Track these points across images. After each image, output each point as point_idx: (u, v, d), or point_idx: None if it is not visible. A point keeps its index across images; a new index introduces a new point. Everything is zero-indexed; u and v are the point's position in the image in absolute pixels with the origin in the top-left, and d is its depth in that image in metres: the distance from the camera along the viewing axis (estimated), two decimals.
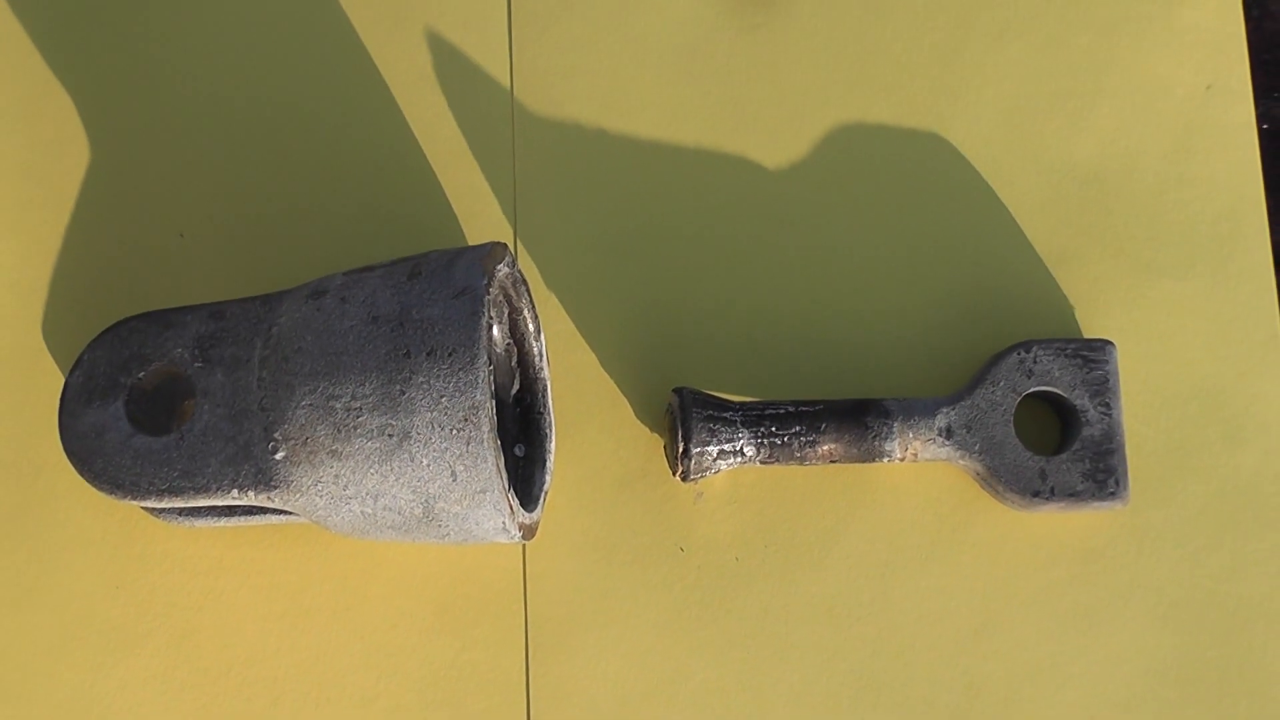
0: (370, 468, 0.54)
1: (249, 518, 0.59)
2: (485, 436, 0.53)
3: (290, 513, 0.58)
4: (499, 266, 0.55)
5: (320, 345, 0.54)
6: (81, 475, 0.57)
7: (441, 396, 0.53)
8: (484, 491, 0.53)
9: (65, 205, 0.64)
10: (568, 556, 0.62)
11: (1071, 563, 0.62)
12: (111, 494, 0.56)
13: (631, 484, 0.62)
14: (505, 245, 0.56)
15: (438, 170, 0.65)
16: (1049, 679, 0.61)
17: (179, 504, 0.56)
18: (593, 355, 0.63)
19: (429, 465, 0.53)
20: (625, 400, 0.63)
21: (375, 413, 0.53)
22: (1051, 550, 0.62)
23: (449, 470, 0.53)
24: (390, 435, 0.53)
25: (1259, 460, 0.62)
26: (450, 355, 0.53)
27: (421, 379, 0.53)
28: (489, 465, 0.53)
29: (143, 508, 0.60)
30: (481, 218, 0.64)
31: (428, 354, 0.53)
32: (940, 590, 0.61)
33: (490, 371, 0.53)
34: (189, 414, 0.61)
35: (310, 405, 0.54)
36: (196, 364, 0.57)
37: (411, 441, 0.53)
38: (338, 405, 0.54)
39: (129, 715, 0.60)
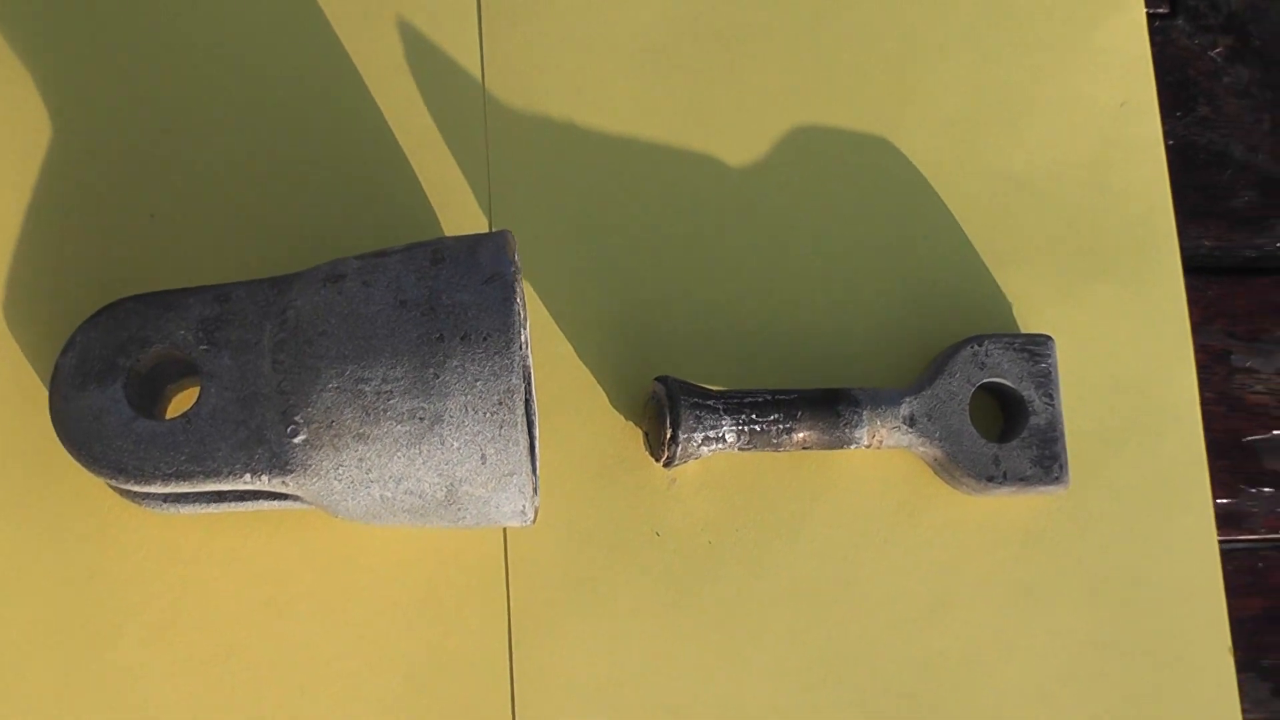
0: (398, 451, 0.54)
1: (239, 504, 0.58)
2: (518, 420, 0.53)
3: (289, 498, 0.58)
4: (515, 253, 0.56)
5: (347, 329, 0.54)
6: (78, 460, 0.55)
7: (476, 380, 0.53)
8: (512, 474, 0.54)
9: (28, 185, 0.62)
10: (548, 542, 0.63)
11: (1016, 544, 0.66)
12: (113, 479, 0.55)
13: (608, 471, 0.64)
14: (512, 234, 0.57)
15: (412, 160, 0.65)
16: (997, 653, 0.65)
17: (187, 488, 0.55)
18: (569, 345, 0.64)
19: (459, 448, 0.54)
20: (601, 389, 0.64)
21: (407, 396, 0.54)
22: (998, 533, 0.66)
23: (479, 453, 0.54)
24: (421, 419, 0.54)
25: (1176, 448, 0.68)
26: (485, 340, 0.54)
27: (456, 363, 0.53)
28: (520, 448, 0.54)
29: (122, 493, 0.58)
30: (456, 208, 0.65)
31: (461, 338, 0.54)
32: (898, 571, 0.65)
33: (521, 356, 0.54)
34: (172, 399, 0.60)
35: (337, 388, 0.54)
36: (201, 347, 0.56)
37: (443, 425, 0.53)
38: (367, 389, 0.54)
39: (107, 708, 0.59)
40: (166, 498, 0.58)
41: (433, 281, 0.55)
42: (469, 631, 0.62)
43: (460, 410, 0.53)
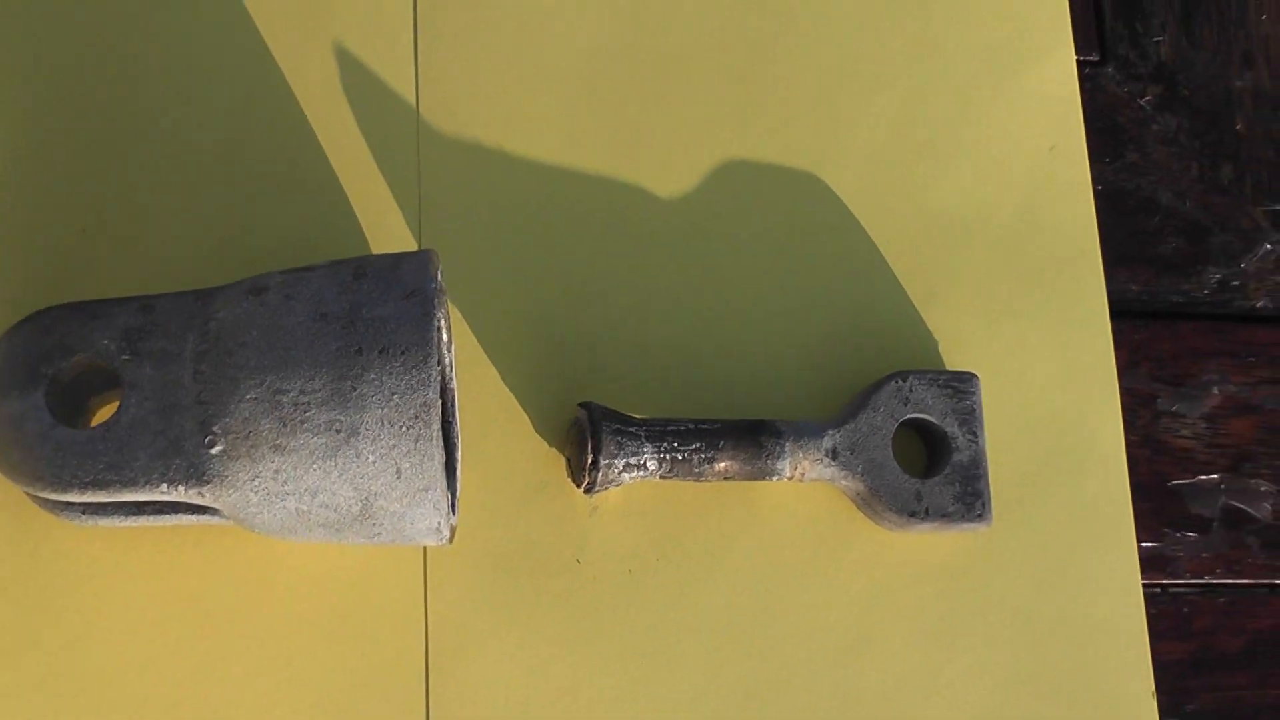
0: (314, 463, 0.54)
1: (159, 517, 0.58)
2: (434, 434, 0.54)
3: (209, 511, 0.57)
4: (439, 271, 0.57)
5: (267, 340, 0.54)
6: None
7: (393, 394, 0.54)
8: (426, 490, 0.54)
9: None
10: (468, 566, 0.63)
11: (937, 580, 0.66)
12: (29, 487, 0.55)
13: (530, 496, 0.64)
14: (437, 253, 0.58)
15: (343, 181, 0.65)
16: (917, 689, 0.65)
17: (103, 498, 0.55)
18: (494, 369, 0.64)
19: (375, 462, 0.54)
20: (525, 414, 0.64)
21: (324, 408, 0.54)
22: (919, 569, 0.66)
23: (394, 467, 0.54)
24: (338, 431, 0.54)
25: (1099, 488, 0.68)
26: (403, 354, 0.54)
27: (373, 376, 0.54)
28: (435, 463, 0.54)
29: (41, 503, 0.58)
30: (386, 231, 0.65)
31: (380, 352, 0.54)
32: (820, 605, 0.65)
33: (438, 371, 0.54)
34: (96, 411, 0.60)
35: (255, 399, 0.54)
36: (124, 356, 0.56)
37: (359, 437, 0.54)
38: (285, 399, 0.54)
39: None
40: (85, 508, 0.58)
41: (354, 295, 0.55)
42: (386, 653, 0.61)
43: (376, 423, 0.54)
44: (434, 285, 0.55)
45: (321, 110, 0.66)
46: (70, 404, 0.58)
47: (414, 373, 0.54)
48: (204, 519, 0.58)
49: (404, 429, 0.53)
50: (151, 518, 0.58)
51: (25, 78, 0.64)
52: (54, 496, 0.55)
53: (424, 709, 0.61)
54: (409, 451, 0.54)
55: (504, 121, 0.68)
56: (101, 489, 0.55)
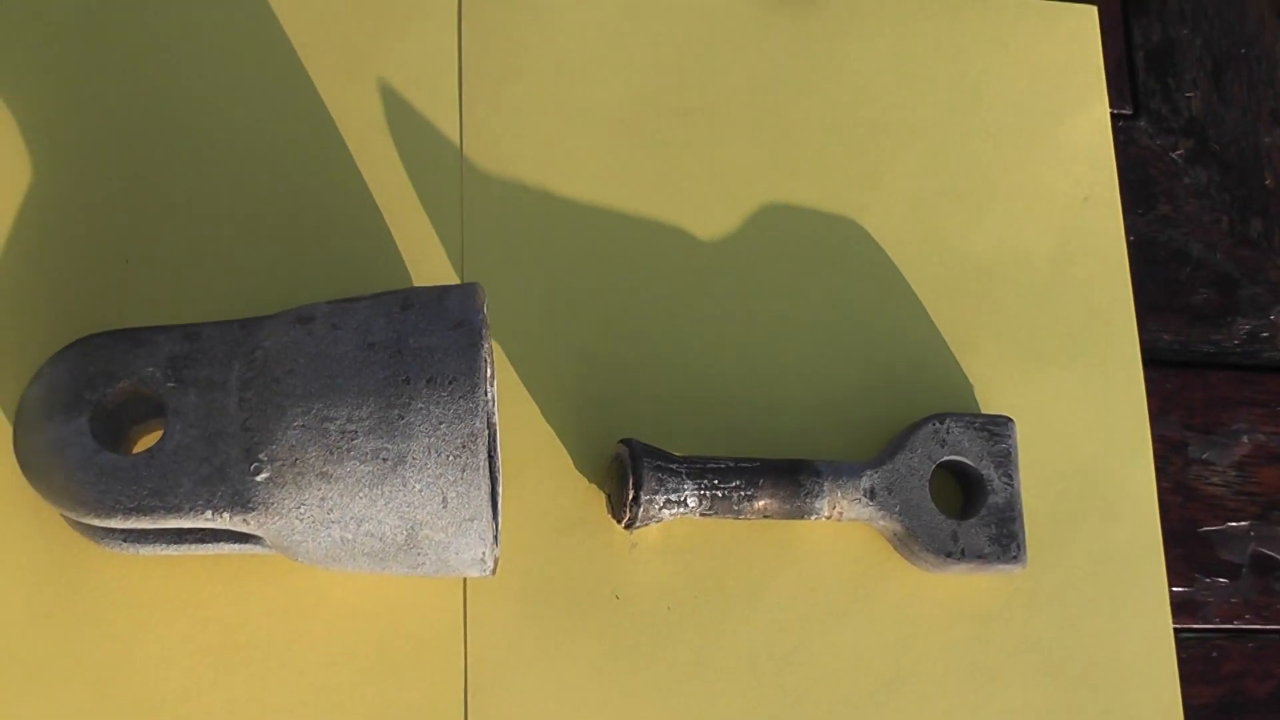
0: (360, 491, 0.54)
1: (200, 545, 0.58)
2: (481, 464, 0.54)
3: (251, 540, 0.58)
4: (484, 304, 0.57)
5: (314, 368, 0.55)
6: (39, 491, 0.55)
7: (440, 423, 0.54)
8: (472, 520, 0.54)
9: (3, 227, 0.63)
10: (508, 600, 0.63)
11: (970, 622, 0.66)
12: (71, 512, 0.55)
13: (570, 531, 0.64)
14: (482, 288, 0.58)
15: (387, 218, 0.66)
16: None
17: (147, 524, 0.55)
18: (534, 406, 0.65)
19: (421, 490, 0.54)
20: (565, 450, 0.65)
21: (371, 436, 0.54)
22: (953, 610, 0.66)
23: (440, 496, 0.54)
24: (385, 459, 0.54)
25: (1131, 534, 0.68)
26: (451, 383, 0.54)
27: (420, 405, 0.54)
28: (481, 493, 0.54)
29: (82, 530, 0.58)
30: (428, 266, 0.65)
31: (427, 381, 0.54)
32: (854, 645, 0.65)
33: (486, 402, 0.55)
34: (137, 439, 0.60)
35: (302, 426, 0.54)
36: (169, 384, 0.56)
37: (406, 466, 0.54)
38: (332, 427, 0.54)
39: None
40: (126, 536, 0.58)
41: (400, 326, 0.56)
42: (425, 686, 0.61)
43: (423, 452, 0.54)
44: (481, 316, 0.56)
45: (367, 148, 0.67)
46: (112, 431, 0.58)
47: (461, 402, 0.54)
48: (246, 548, 0.58)
49: (451, 458, 0.54)
50: (193, 546, 0.58)
51: (73, 109, 0.65)
52: (97, 522, 0.55)
53: None
54: (455, 480, 0.54)
55: (546, 161, 0.68)
56: (145, 515, 0.55)
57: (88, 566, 0.60)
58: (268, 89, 0.67)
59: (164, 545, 0.58)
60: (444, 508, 0.54)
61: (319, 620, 0.61)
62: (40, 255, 0.63)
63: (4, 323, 0.62)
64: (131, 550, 0.58)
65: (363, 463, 0.54)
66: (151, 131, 0.66)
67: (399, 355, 0.55)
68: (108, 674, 0.59)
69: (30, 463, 0.55)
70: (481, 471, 0.54)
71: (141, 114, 0.66)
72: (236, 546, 0.58)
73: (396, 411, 0.54)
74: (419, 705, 0.61)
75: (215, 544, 0.58)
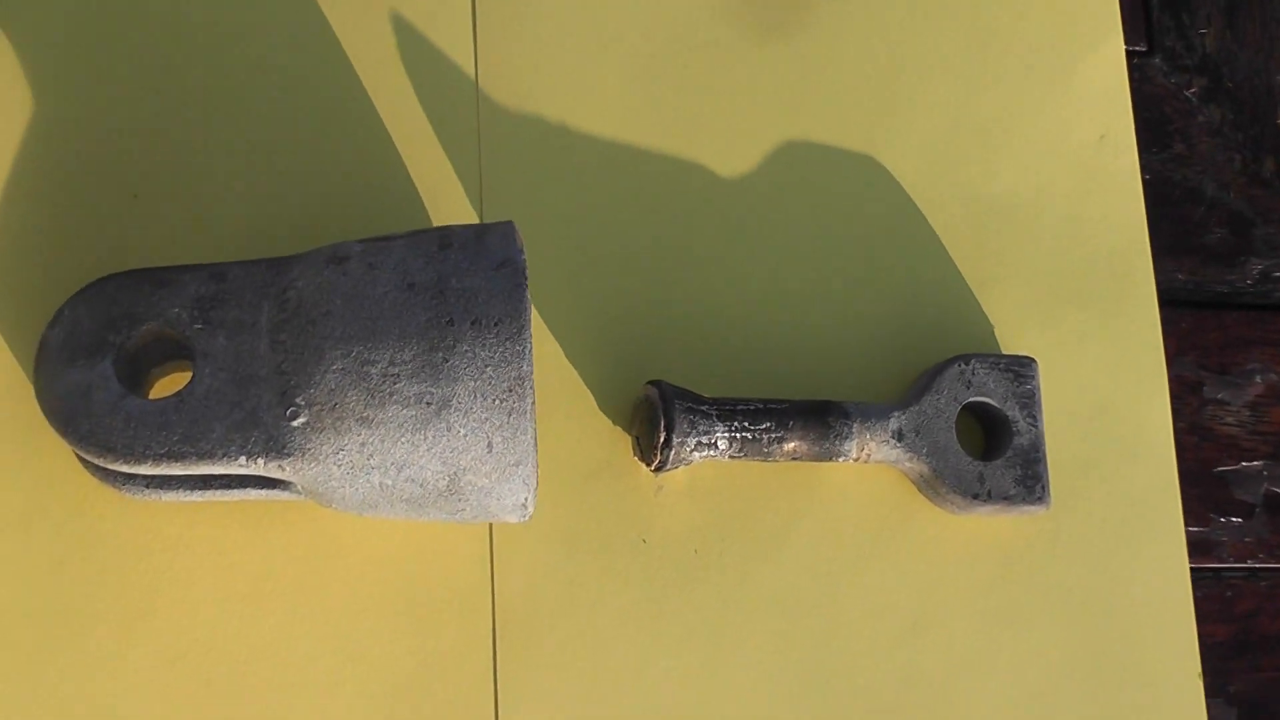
0: (402, 436, 0.52)
1: (225, 492, 0.56)
2: (528, 408, 0.52)
3: (279, 485, 0.56)
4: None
5: (352, 309, 0.53)
6: (64, 437, 0.53)
7: (486, 366, 0.52)
8: (517, 465, 0.53)
9: (7, 162, 0.60)
10: (535, 545, 0.61)
11: (995, 564, 0.66)
12: (98, 459, 0.53)
13: (596, 475, 0.63)
14: (516, 225, 0.56)
15: (403, 153, 0.64)
16: (976, 671, 0.64)
17: (178, 470, 0.53)
18: (557, 345, 0.63)
19: (465, 435, 0.52)
20: (589, 392, 0.63)
21: (414, 380, 0.52)
22: (976, 552, 0.66)
23: (485, 441, 0.53)
24: (428, 403, 0.52)
25: (1149, 475, 0.68)
26: (496, 325, 0.53)
27: (465, 347, 0.52)
28: (528, 438, 0.53)
29: (101, 475, 0.56)
30: (446, 202, 0.64)
31: (472, 323, 0.53)
32: (880, 586, 0.64)
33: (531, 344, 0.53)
34: (155, 382, 0.58)
35: (342, 370, 0.52)
36: (196, 326, 0.54)
37: (450, 410, 0.52)
38: (373, 370, 0.52)
39: (76, 703, 0.56)
40: (149, 482, 0.56)
41: (441, 265, 0.54)
42: (453, 631, 0.60)
43: (469, 396, 0.52)
44: (523, 256, 0.54)
45: (380, 80, 0.64)
46: (132, 375, 0.56)
47: (508, 345, 0.52)
48: (273, 494, 0.57)
49: (497, 402, 0.52)
50: (217, 492, 0.57)
51: (78, 39, 0.63)
52: (126, 469, 0.53)
53: (492, 686, 0.60)
54: (501, 425, 0.52)
55: (564, 95, 0.67)
56: (176, 461, 0.53)
57: (106, 513, 0.58)
58: (279, 19, 0.64)
59: (187, 491, 0.57)
60: (489, 452, 0.53)
61: (345, 567, 0.59)
62: (46, 189, 0.61)
63: (10, 259, 0.60)
64: (154, 496, 0.57)
65: (405, 407, 0.52)
66: (159, 63, 0.63)
67: (441, 296, 0.53)
68: (128, 624, 0.57)
69: (54, 408, 0.53)
70: (528, 416, 0.52)
71: (149, 46, 0.63)
72: (263, 492, 0.57)
73: (440, 354, 0.52)
74: (447, 651, 0.60)
75: (240, 489, 0.57)
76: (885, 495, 0.65)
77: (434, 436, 0.52)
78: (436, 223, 0.63)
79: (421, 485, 0.53)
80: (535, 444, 0.53)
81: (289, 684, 0.58)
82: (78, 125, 0.62)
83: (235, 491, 0.57)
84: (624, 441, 0.63)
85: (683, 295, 0.66)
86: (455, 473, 0.53)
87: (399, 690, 0.59)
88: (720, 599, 0.63)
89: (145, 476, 0.56)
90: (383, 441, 0.53)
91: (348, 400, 0.52)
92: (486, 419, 0.52)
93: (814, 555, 0.64)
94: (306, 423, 0.53)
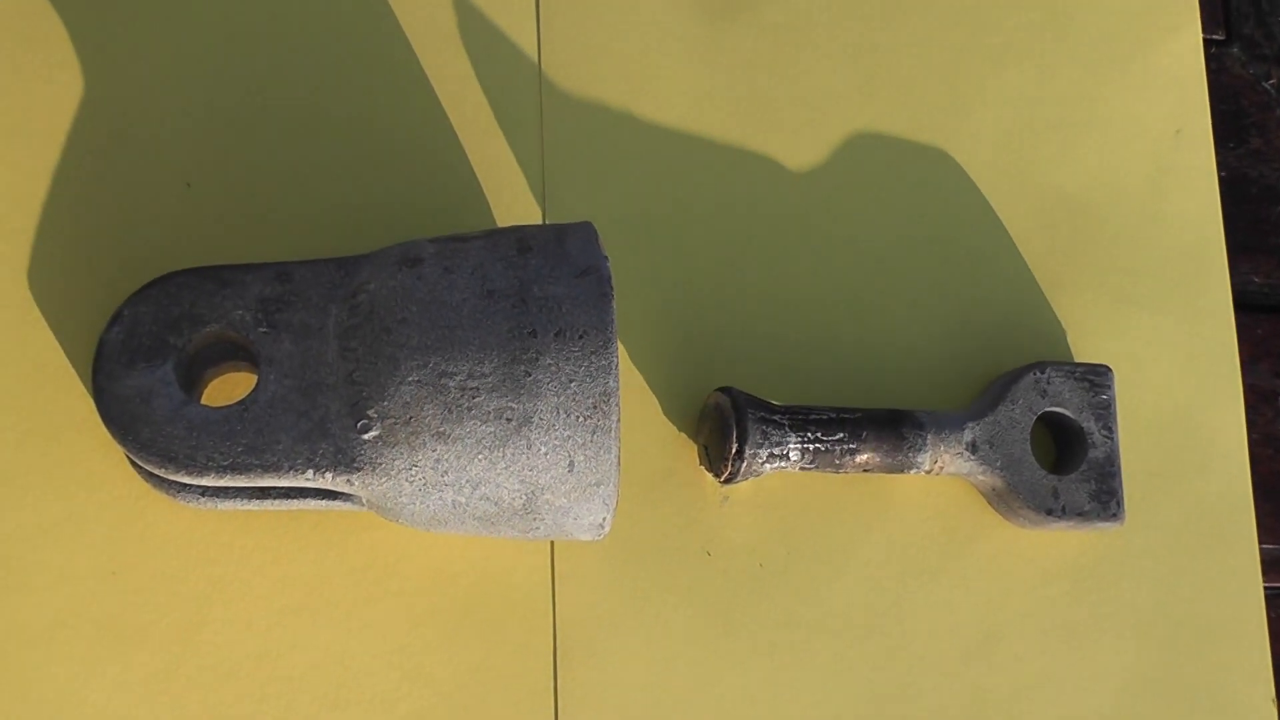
0: (479, 453, 0.50)
1: (283, 502, 0.54)
2: (612, 426, 0.50)
3: (342, 497, 0.53)
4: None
5: (429, 317, 0.50)
6: (122, 445, 0.50)
7: (571, 381, 0.50)
8: (599, 485, 0.51)
9: (57, 149, 0.58)
10: (596, 557, 0.59)
11: (1065, 580, 0.64)
12: (158, 468, 0.50)
13: (659, 484, 0.60)
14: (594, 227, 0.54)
15: (465, 145, 0.61)
16: (1045, 690, 0.62)
17: (242, 482, 0.50)
18: (620, 346, 0.61)
19: (546, 454, 0.50)
20: (654, 396, 0.61)
21: (494, 394, 0.50)
22: (1047, 568, 0.64)
23: (567, 460, 0.50)
24: (509, 419, 0.50)
25: (1223, 487, 0.66)
26: (581, 338, 0.50)
27: (549, 361, 0.50)
28: (611, 457, 0.50)
29: (155, 482, 0.54)
30: (509, 194, 0.61)
31: (556, 334, 0.50)
32: (949, 603, 0.62)
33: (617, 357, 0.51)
34: (208, 384, 0.56)
35: (418, 382, 0.50)
36: (260, 329, 0.52)
37: (532, 427, 0.50)
38: (451, 384, 0.50)
39: (130, 710, 0.54)
40: (205, 490, 0.54)
41: (521, 271, 0.51)
42: (514, 645, 0.58)
43: (551, 412, 0.50)
44: (608, 262, 0.51)
45: (442, 69, 0.62)
46: (188, 378, 0.53)
47: (594, 358, 0.50)
48: (333, 505, 0.54)
49: (581, 419, 0.50)
50: (276, 502, 0.54)
51: (131, 27, 0.60)
52: (188, 480, 0.51)
53: (553, 699, 0.58)
54: (584, 444, 0.50)
55: (627, 85, 0.64)
56: (241, 473, 0.50)
57: (161, 521, 0.55)
58: (339, 7, 0.61)
59: (244, 501, 0.54)
60: (569, 472, 0.50)
61: (402, 578, 0.57)
62: (98, 180, 0.58)
63: (62, 252, 0.57)
64: (209, 505, 0.54)
65: (484, 423, 0.50)
66: (212, 52, 0.60)
67: (523, 305, 0.50)
68: (181, 635, 0.55)
69: (113, 413, 0.51)
70: (612, 434, 0.50)
71: (202, 35, 0.60)
72: (323, 503, 0.54)
73: (523, 368, 0.50)
74: (507, 666, 0.57)
75: (299, 500, 0.54)
76: (953, 508, 0.63)
77: (513, 454, 0.50)
78: (498, 214, 0.60)
79: (496, 504, 0.51)
80: (619, 462, 0.51)
81: (345, 699, 0.56)
82: (130, 114, 0.59)
83: (293, 502, 0.54)
84: (689, 449, 0.61)
85: (747, 294, 0.63)
86: (533, 492, 0.51)
87: (457, 706, 0.57)
88: (785, 615, 0.60)
89: (202, 485, 0.53)
90: (458, 458, 0.50)
91: (424, 414, 0.50)
92: (569, 437, 0.50)
93: (881, 570, 0.62)
94: (379, 436, 0.50)
